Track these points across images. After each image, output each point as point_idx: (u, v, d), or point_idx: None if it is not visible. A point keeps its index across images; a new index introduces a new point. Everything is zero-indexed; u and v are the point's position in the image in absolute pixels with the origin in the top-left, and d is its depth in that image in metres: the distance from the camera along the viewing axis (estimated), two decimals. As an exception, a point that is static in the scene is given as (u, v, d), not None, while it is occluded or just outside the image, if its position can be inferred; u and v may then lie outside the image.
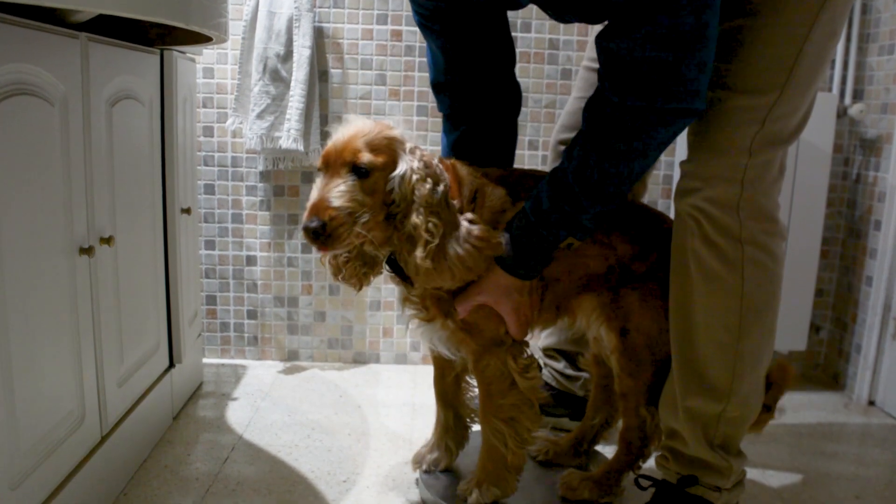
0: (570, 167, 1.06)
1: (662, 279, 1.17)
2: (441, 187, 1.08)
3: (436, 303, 1.16)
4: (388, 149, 1.08)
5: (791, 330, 1.86)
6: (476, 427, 1.34)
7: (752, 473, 1.45)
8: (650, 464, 1.24)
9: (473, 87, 1.27)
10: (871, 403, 1.85)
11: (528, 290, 1.15)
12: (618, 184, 1.04)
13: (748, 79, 1.03)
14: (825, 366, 2.05)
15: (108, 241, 1.19)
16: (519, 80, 1.94)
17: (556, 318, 1.24)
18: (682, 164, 1.09)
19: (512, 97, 1.32)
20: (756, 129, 1.03)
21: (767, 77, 1.02)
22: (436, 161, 1.11)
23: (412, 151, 1.09)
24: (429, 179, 1.07)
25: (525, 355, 1.18)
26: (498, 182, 1.17)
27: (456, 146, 1.30)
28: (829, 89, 1.90)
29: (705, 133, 1.06)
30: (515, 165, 1.90)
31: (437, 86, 1.29)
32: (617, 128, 1.00)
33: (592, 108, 1.03)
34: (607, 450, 1.45)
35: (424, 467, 1.35)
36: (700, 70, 0.96)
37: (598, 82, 1.03)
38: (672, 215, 1.15)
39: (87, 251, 1.12)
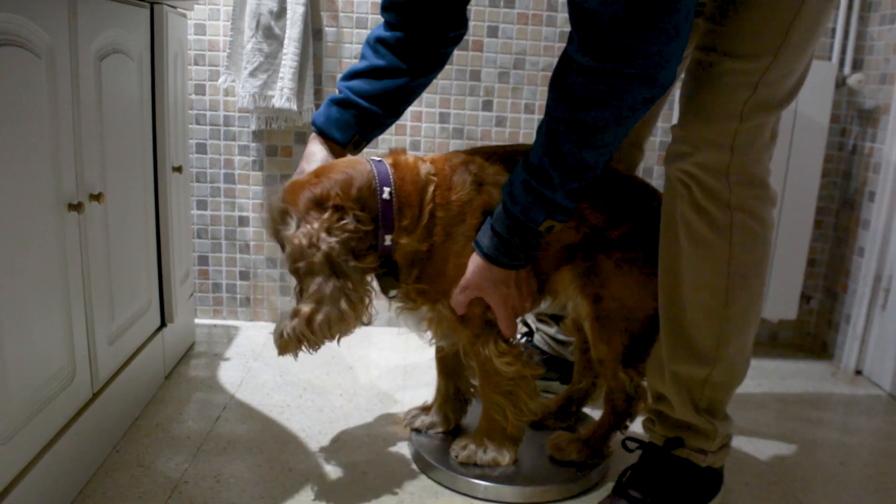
0: (540, 144, 1.04)
1: (639, 245, 1.17)
2: (304, 263, 1.09)
3: (420, 295, 1.18)
4: (284, 235, 1.13)
5: (782, 299, 1.87)
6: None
7: (738, 438, 1.46)
8: (638, 427, 1.25)
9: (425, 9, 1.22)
10: (859, 373, 1.87)
11: (518, 282, 1.14)
12: (590, 156, 1.02)
13: (742, 42, 1.01)
14: (815, 335, 2.06)
15: (97, 197, 1.17)
16: (516, 42, 1.92)
17: (541, 299, 1.24)
18: (673, 128, 1.08)
19: (460, 25, 1.29)
20: (748, 93, 1.02)
21: (761, 41, 1.00)
22: (313, 228, 1.08)
23: (299, 224, 1.10)
24: (299, 263, 1.10)
25: (506, 341, 1.18)
26: (462, 168, 1.16)
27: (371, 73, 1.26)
28: (829, 58, 1.88)
29: (696, 97, 1.05)
30: (510, 130, 1.90)
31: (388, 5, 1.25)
32: (582, 95, 0.97)
33: (557, 76, 1.01)
34: (597, 413, 1.47)
35: (417, 424, 1.36)
36: (670, 37, 0.91)
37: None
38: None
39: (76, 207, 1.11)
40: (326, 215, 1.09)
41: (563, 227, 1.12)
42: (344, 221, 1.10)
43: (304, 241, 1.08)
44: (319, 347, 1.12)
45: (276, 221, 1.14)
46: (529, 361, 1.21)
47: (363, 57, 1.27)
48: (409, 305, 1.20)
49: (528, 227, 1.07)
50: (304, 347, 1.11)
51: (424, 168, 1.16)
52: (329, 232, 1.09)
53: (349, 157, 1.21)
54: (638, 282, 1.18)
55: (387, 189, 1.13)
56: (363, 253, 1.12)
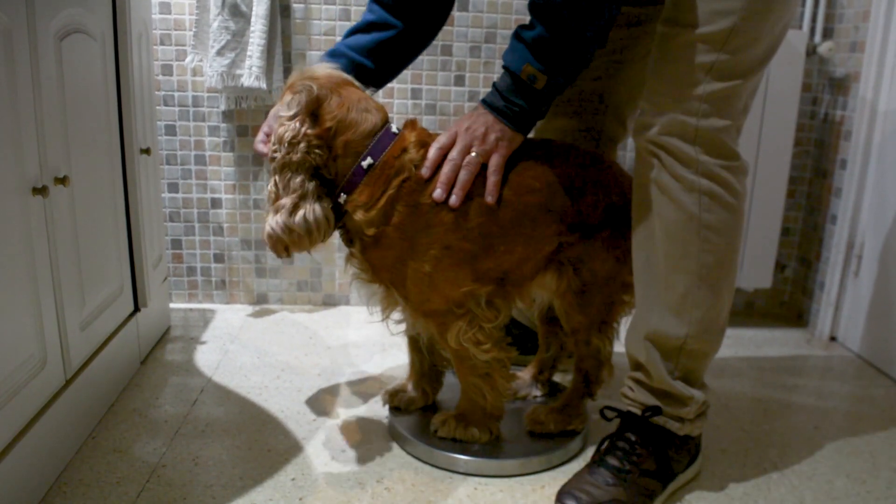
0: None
1: (616, 226, 1.18)
2: (280, 155, 1.11)
3: (368, 271, 1.17)
4: (279, 110, 1.15)
5: (757, 268, 1.89)
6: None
7: (715, 406, 1.48)
8: (616, 395, 1.26)
9: None
10: (833, 339, 1.90)
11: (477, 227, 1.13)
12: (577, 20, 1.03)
13: (699, 11, 1.01)
14: (790, 303, 2.09)
15: (62, 180, 1.15)
16: (487, 15, 1.90)
17: (511, 305, 1.23)
18: (640, 101, 1.09)
19: None
20: (710, 61, 1.02)
21: (719, 6, 1.00)
22: (300, 130, 1.10)
23: (295, 116, 1.12)
24: (277, 152, 1.12)
25: (480, 327, 1.15)
26: None
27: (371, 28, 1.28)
28: (800, 27, 1.88)
29: (660, 69, 1.06)
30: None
31: None
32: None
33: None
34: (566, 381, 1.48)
35: (395, 402, 1.36)
36: None
37: None
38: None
39: (40, 191, 1.08)
40: (313, 132, 1.10)
41: (547, 237, 1.15)
42: (318, 153, 1.11)
43: (288, 136, 1.09)
44: (301, 247, 1.12)
45: (290, 89, 1.13)
46: (505, 345, 1.19)
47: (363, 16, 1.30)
48: (363, 277, 1.19)
49: (513, 70, 1.08)
50: (287, 246, 1.12)
51: (411, 153, 1.12)
52: (308, 150, 1.10)
53: (377, 104, 1.16)
54: (611, 253, 1.19)
55: (369, 159, 1.11)
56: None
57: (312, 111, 1.10)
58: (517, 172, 1.14)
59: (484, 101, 1.14)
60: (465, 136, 1.12)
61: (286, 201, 1.10)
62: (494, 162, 1.12)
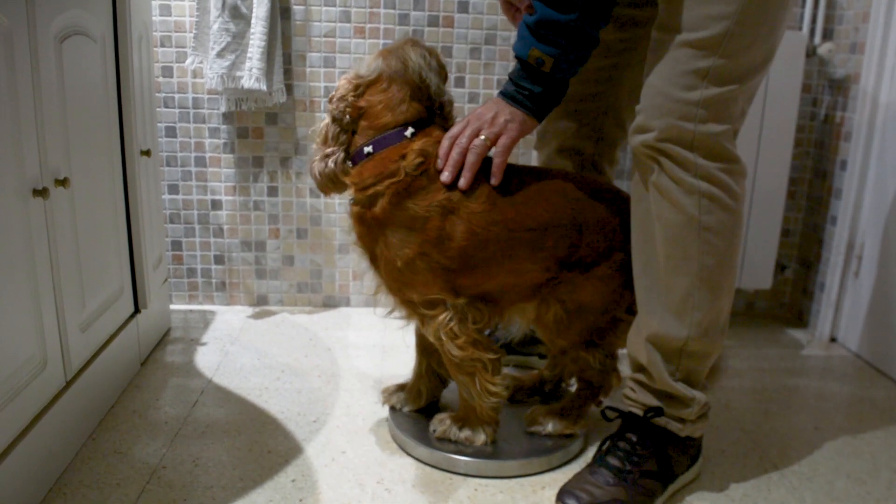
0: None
1: (613, 262, 1.19)
2: (332, 103, 1.20)
3: (362, 242, 1.19)
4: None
5: (757, 269, 1.89)
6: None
7: (715, 407, 1.48)
8: (618, 396, 1.26)
9: None
10: (833, 340, 1.90)
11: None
12: None
13: (693, 16, 1.01)
14: (790, 304, 2.08)
15: (63, 182, 1.15)
16: (487, 17, 1.91)
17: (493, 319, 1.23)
18: (637, 107, 1.08)
19: None
20: (707, 65, 1.01)
21: (713, 9, 1.00)
22: (350, 91, 1.18)
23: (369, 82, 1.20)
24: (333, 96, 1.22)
25: (460, 320, 1.15)
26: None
27: None
28: (800, 28, 1.88)
29: (656, 74, 1.06)
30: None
31: None
32: None
33: None
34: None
35: (393, 402, 1.37)
36: None
37: None
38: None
39: (41, 193, 1.08)
40: (352, 102, 1.17)
41: (533, 270, 1.15)
42: (348, 121, 1.17)
43: (339, 93, 1.18)
44: (338, 190, 1.21)
45: (381, 54, 1.21)
46: (488, 346, 1.18)
47: None
48: (355, 242, 1.21)
49: (521, 57, 1.10)
50: (323, 184, 1.21)
51: (409, 158, 1.12)
52: (344, 113, 1.17)
53: (417, 107, 1.18)
54: (603, 288, 1.19)
55: (370, 148, 1.16)
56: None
57: (369, 84, 1.17)
58: (515, 208, 1.14)
59: (499, 92, 1.16)
60: (475, 122, 1.14)
61: (329, 150, 1.19)
62: (502, 143, 1.13)
